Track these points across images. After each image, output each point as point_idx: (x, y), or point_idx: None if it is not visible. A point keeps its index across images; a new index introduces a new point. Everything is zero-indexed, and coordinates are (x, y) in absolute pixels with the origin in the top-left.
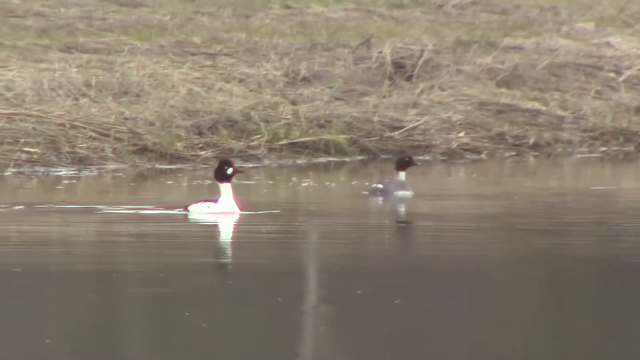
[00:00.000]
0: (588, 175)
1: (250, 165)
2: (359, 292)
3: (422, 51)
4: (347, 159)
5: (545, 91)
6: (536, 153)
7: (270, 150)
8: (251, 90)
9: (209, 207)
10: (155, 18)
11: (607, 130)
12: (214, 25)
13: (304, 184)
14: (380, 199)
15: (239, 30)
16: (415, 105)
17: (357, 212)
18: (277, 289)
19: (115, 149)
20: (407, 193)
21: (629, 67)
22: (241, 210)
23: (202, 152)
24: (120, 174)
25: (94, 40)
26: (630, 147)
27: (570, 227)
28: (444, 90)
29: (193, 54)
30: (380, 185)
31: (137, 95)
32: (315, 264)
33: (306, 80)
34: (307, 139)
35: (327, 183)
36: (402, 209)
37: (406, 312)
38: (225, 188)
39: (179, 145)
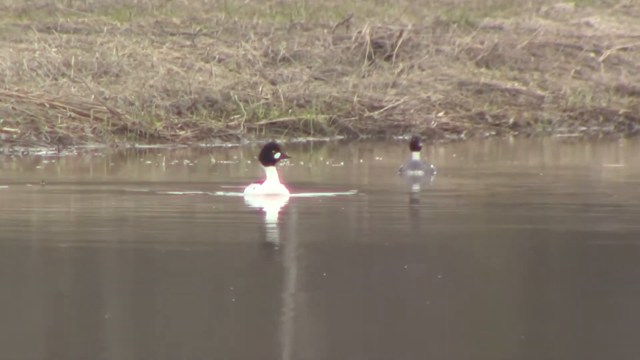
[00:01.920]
0: (570, 154)
1: (230, 145)
2: (329, 272)
3: (401, 31)
4: (326, 139)
5: (524, 71)
6: (516, 133)
7: (250, 130)
8: (230, 70)
9: (254, 188)
10: None
11: (587, 110)
12: (193, 5)
13: (310, 164)
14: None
15: (218, 11)
16: (394, 85)
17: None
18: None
19: (94, 128)
20: (419, 172)
21: (608, 47)
22: (290, 193)
23: (182, 132)
24: (100, 154)
25: (74, 21)
26: (610, 127)
27: (553, 206)
28: (423, 70)
29: (172, 34)
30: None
31: (117, 75)
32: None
33: (285, 60)
34: (286, 118)
35: (328, 162)
36: (414, 187)
37: (389, 288)
38: (271, 171)
39: (159, 125)
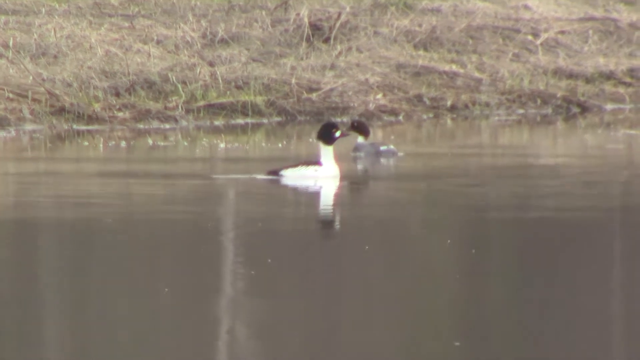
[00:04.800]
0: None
1: (168, 127)
2: (269, 260)
3: (339, 13)
4: (264, 121)
5: (462, 53)
6: (454, 115)
7: (188, 111)
8: (169, 52)
9: (316, 170)
10: None
11: (525, 92)
12: None
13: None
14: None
15: None
16: (332, 67)
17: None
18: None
19: (33, 110)
20: (361, 154)
21: (546, 30)
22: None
23: (120, 113)
24: (38, 135)
25: (12, 2)
26: (548, 110)
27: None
28: (361, 52)
29: (111, 15)
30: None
31: (55, 57)
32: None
33: (224, 42)
34: (224, 100)
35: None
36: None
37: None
38: (329, 151)
39: (97, 107)
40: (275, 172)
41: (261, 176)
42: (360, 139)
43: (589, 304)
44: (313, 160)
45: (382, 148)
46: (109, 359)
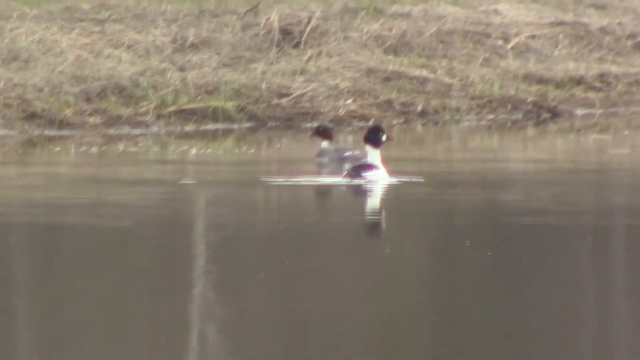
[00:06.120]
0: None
1: (139, 132)
2: (250, 250)
3: (309, 18)
4: (235, 126)
5: (433, 58)
6: (424, 120)
7: (159, 116)
8: (139, 57)
9: (374, 174)
10: None
11: (495, 97)
12: None
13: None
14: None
15: None
16: (303, 72)
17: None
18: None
19: (4, 115)
20: (324, 160)
21: (516, 35)
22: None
23: (91, 119)
24: (9, 141)
25: None
26: (518, 115)
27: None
28: (331, 57)
29: (82, 20)
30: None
31: (26, 61)
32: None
33: (194, 47)
34: (195, 105)
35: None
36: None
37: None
38: (377, 154)
39: (68, 112)
40: (356, 175)
41: (339, 179)
42: (325, 144)
43: (559, 310)
44: (371, 164)
45: (347, 154)
46: None
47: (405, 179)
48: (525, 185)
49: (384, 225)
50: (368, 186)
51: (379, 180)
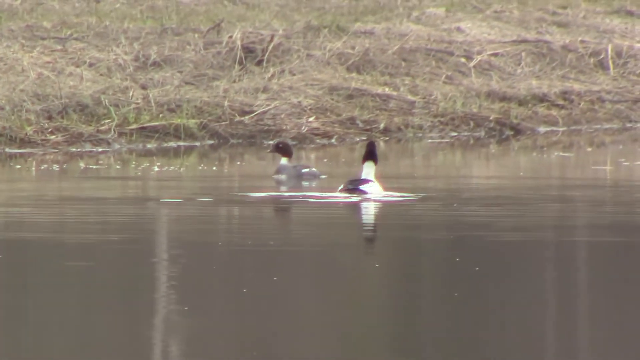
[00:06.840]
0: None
1: (100, 150)
2: (213, 267)
3: (272, 36)
4: (197, 144)
5: (395, 76)
6: (387, 138)
7: (121, 134)
8: (101, 75)
9: (373, 187)
10: (5, 2)
11: (458, 115)
12: (63, 9)
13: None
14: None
15: (89, 15)
16: (265, 89)
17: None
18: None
19: None
20: (282, 176)
21: (479, 53)
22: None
23: (52, 137)
24: None
25: None
26: (481, 132)
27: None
28: (294, 74)
29: (43, 38)
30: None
31: None
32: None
33: (156, 65)
34: (157, 123)
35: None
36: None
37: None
38: (373, 170)
39: (29, 130)
40: (355, 189)
41: (341, 194)
42: (284, 161)
43: (522, 319)
44: (365, 179)
45: (304, 170)
46: None
47: (397, 195)
48: (488, 201)
49: (351, 242)
50: (359, 201)
51: (375, 195)
